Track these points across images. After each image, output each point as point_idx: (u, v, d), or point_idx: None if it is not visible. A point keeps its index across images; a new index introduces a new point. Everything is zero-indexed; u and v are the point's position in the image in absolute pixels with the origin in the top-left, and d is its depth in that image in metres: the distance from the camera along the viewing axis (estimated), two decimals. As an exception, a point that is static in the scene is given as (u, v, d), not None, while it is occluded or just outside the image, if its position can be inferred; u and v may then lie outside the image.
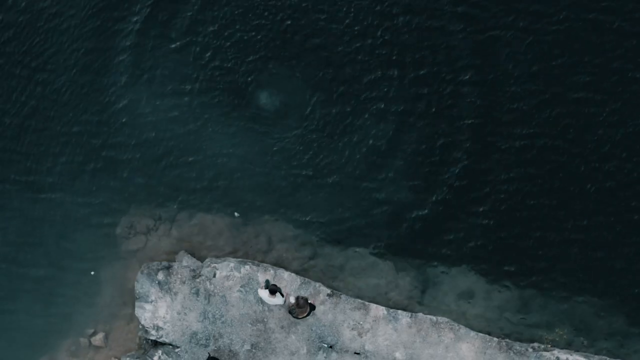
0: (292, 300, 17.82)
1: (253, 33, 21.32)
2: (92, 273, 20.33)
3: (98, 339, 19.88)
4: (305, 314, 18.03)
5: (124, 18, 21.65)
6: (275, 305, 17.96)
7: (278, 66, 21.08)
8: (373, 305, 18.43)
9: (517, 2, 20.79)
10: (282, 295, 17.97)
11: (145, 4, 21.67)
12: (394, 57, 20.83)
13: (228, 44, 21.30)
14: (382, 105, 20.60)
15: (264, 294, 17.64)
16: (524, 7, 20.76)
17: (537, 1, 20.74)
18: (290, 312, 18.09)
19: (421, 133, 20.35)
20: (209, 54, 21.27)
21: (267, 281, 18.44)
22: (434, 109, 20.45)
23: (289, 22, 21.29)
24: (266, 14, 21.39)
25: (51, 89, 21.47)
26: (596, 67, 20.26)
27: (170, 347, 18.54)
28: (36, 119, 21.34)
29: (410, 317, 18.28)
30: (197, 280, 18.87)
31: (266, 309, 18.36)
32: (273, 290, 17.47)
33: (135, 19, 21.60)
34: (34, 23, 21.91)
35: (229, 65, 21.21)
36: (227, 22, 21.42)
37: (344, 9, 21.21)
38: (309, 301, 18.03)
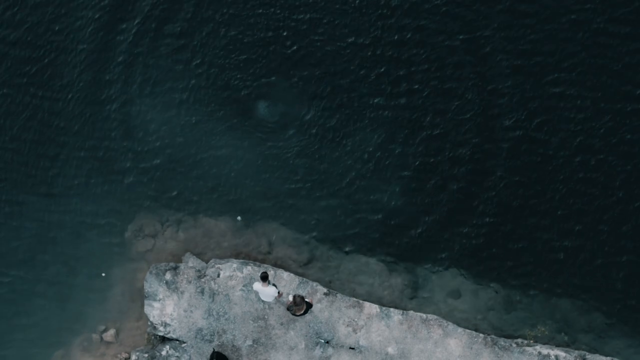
0: (290, 298, 17.79)
1: (255, 47, 21.40)
2: (104, 274, 20.57)
3: (109, 335, 20.11)
4: (302, 312, 18.08)
5: (126, 29, 21.85)
6: (270, 296, 17.73)
7: (278, 78, 21.14)
8: (367, 304, 18.56)
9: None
10: (276, 286, 17.86)
11: (147, 16, 21.75)
12: (391, 69, 20.89)
13: (231, 57, 21.42)
14: (377, 115, 20.68)
15: (257, 285, 17.48)
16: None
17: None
18: (288, 309, 18.13)
19: (413, 142, 20.41)
20: (213, 68, 21.42)
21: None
22: (425, 119, 20.48)
23: (287, 34, 21.35)
24: (266, 27, 21.46)
25: (60, 107, 21.69)
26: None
27: (177, 342, 18.74)
28: (47, 132, 21.54)
29: (402, 315, 18.37)
30: (202, 280, 19.05)
31: (267, 306, 18.44)
32: (264, 277, 17.15)
33: (137, 31, 21.76)
34: (37, 39, 21.93)
35: (232, 77, 21.33)
36: (229, 37, 21.52)
37: (343, 23, 21.26)
38: (306, 299, 18.04)
